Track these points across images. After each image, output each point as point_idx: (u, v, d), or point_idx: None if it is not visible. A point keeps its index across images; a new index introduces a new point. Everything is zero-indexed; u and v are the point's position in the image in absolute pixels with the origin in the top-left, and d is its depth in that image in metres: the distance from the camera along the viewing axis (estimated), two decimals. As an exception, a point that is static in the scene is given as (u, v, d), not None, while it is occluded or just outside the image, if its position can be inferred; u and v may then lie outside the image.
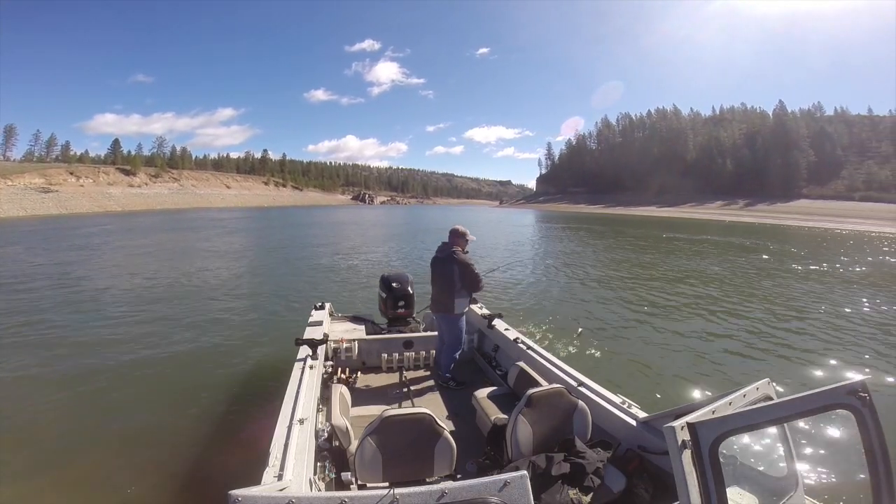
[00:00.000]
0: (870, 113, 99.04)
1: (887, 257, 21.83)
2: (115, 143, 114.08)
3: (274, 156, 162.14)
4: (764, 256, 20.50)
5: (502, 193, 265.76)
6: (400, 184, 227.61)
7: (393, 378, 4.80)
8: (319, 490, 2.55)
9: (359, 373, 4.84)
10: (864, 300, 11.28)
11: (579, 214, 75.30)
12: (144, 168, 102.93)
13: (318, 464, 2.89)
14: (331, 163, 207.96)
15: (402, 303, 5.77)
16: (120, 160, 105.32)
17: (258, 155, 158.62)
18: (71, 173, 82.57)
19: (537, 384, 3.56)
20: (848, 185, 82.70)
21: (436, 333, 5.24)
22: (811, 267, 17.17)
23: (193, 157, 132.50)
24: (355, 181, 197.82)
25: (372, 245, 24.92)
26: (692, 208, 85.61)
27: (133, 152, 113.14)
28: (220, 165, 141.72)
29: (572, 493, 2.54)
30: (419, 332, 5.52)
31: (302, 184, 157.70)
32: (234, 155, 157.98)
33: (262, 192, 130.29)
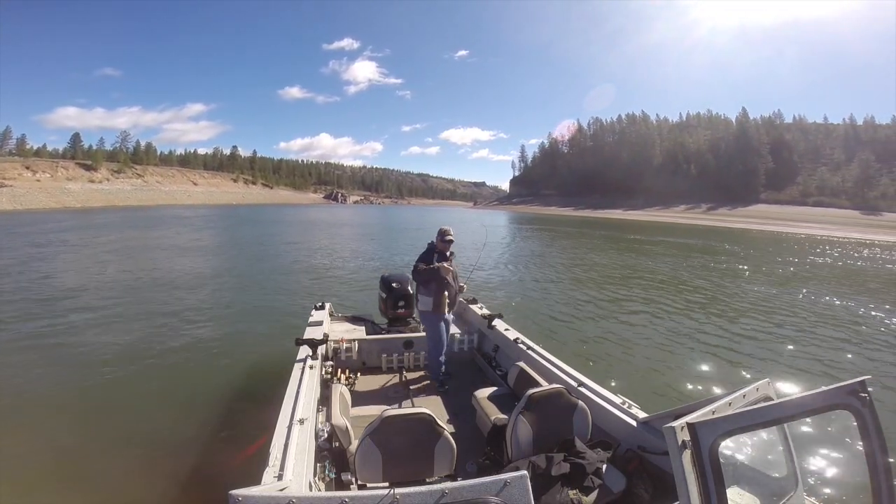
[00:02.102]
0: (825, 121, 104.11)
1: (831, 259, 23.28)
2: (76, 136, 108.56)
3: (244, 152, 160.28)
4: (725, 258, 21.47)
5: (477, 195, 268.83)
6: (374, 183, 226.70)
7: (393, 378, 4.79)
8: (319, 490, 2.54)
9: (359, 373, 4.80)
10: (835, 300, 11.97)
11: (550, 217, 77.21)
12: (106, 163, 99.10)
13: (319, 464, 2.87)
14: (303, 161, 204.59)
15: (402, 303, 5.74)
16: (80, 155, 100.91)
17: (227, 151, 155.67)
18: (27, 168, 79.15)
19: (537, 384, 3.59)
20: (802, 191, 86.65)
21: None
22: (780, 269, 18.04)
23: (159, 153, 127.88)
24: (328, 180, 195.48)
25: (352, 244, 24.76)
26: (658, 212, 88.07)
27: (94, 147, 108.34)
28: (187, 161, 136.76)
29: (572, 493, 2.57)
30: (419, 332, 5.47)
31: (273, 181, 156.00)
32: (201, 151, 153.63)
33: (230, 189, 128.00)
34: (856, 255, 26.49)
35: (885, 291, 13.69)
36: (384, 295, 5.80)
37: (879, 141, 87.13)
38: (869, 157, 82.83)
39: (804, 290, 13.18)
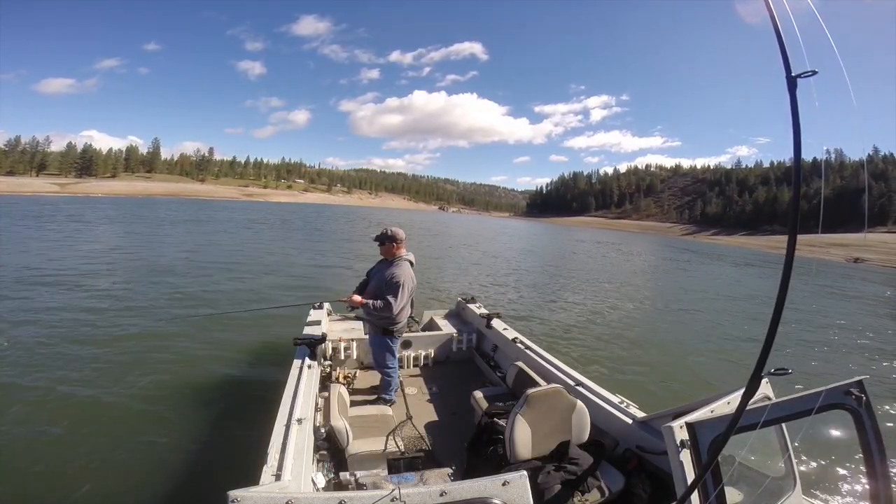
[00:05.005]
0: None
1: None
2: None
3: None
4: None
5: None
6: (469, 200, 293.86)
7: None
8: (318, 490, 2.53)
9: (357, 372, 4.80)
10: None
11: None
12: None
13: (317, 464, 2.87)
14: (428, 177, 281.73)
15: None
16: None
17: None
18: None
19: (536, 384, 3.58)
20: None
21: (433, 333, 5.31)
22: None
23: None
24: (440, 195, 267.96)
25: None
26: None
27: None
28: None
29: (572, 493, 2.56)
30: (418, 332, 5.49)
31: (415, 197, 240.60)
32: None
33: (401, 202, 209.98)
34: None
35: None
36: None
37: None
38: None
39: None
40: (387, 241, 4.00)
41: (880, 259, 49.66)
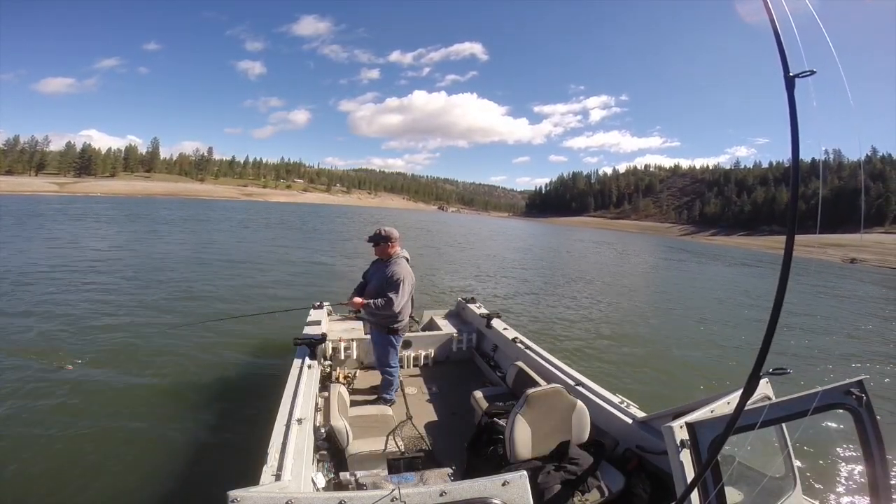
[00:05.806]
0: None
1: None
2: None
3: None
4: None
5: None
6: (469, 200, 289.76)
7: None
8: (318, 490, 2.53)
9: (357, 372, 4.80)
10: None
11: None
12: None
13: (317, 464, 2.87)
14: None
15: None
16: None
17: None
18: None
19: (536, 384, 3.57)
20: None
21: (433, 333, 5.30)
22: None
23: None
24: (439, 195, 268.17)
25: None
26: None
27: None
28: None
29: (572, 493, 2.56)
30: (418, 332, 5.49)
31: (414, 197, 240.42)
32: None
33: (400, 202, 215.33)
34: None
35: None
36: None
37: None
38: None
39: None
40: (381, 241, 4.01)
41: (876, 259, 49.80)
